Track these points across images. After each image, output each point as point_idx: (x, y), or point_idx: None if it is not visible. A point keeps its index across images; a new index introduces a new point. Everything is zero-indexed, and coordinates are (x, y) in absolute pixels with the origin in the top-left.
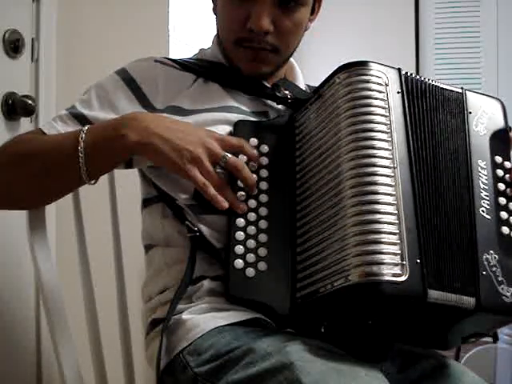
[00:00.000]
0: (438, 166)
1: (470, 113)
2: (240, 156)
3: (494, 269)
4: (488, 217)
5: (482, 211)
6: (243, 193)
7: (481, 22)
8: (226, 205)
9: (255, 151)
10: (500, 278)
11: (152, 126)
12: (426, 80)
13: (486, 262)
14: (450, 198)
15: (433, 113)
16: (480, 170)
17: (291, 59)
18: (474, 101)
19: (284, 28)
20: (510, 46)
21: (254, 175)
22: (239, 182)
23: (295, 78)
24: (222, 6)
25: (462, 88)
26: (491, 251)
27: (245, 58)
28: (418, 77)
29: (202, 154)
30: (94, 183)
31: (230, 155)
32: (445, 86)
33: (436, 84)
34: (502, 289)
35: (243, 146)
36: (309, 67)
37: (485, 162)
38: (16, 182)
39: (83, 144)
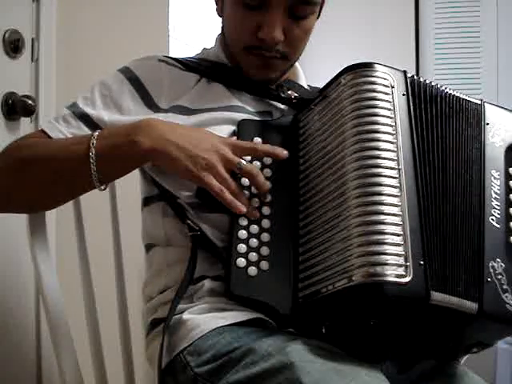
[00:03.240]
0: (447, 171)
1: (488, 124)
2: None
3: (499, 277)
4: (497, 226)
5: (492, 220)
6: (257, 199)
7: (481, 22)
8: (243, 209)
9: (270, 146)
10: (505, 287)
11: (165, 132)
12: (439, 86)
13: (491, 270)
14: (459, 203)
15: (446, 119)
16: (493, 179)
17: None
18: (492, 113)
19: (294, 36)
20: (510, 46)
21: (268, 182)
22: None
23: (298, 79)
24: (231, 12)
25: (480, 100)
26: (498, 259)
27: (254, 64)
28: (428, 81)
29: (217, 160)
30: (104, 189)
31: (244, 162)
32: (463, 96)
33: (452, 92)
34: (506, 297)
35: (256, 147)
36: (309, 67)
37: (498, 173)
38: (21, 188)
39: (94, 150)
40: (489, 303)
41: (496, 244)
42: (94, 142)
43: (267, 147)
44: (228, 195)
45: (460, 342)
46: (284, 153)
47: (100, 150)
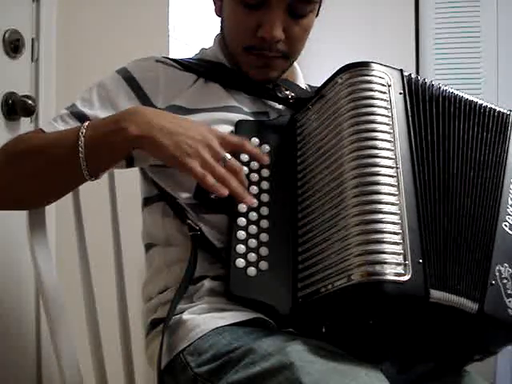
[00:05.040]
0: (449, 170)
1: None
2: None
3: (504, 281)
4: (510, 232)
5: (505, 225)
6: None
7: (481, 22)
8: (225, 191)
9: (257, 149)
10: (509, 291)
11: (153, 119)
12: (443, 87)
13: (497, 273)
14: (465, 203)
15: (449, 118)
16: (511, 187)
17: None
18: None
19: (294, 35)
20: (510, 46)
21: (254, 187)
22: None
23: (296, 78)
24: (231, 11)
25: (510, 110)
26: (506, 264)
27: (254, 64)
28: (428, 81)
29: (202, 149)
30: (95, 179)
31: (229, 157)
32: (481, 102)
33: (460, 94)
34: (509, 302)
35: (244, 144)
36: (308, 67)
37: None
38: (17, 182)
39: (83, 139)
40: (490, 305)
41: (506, 249)
42: (84, 131)
43: (254, 149)
44: (210, 179)
45: (461, 346)
46: (265, 159)
47: (88, 138)
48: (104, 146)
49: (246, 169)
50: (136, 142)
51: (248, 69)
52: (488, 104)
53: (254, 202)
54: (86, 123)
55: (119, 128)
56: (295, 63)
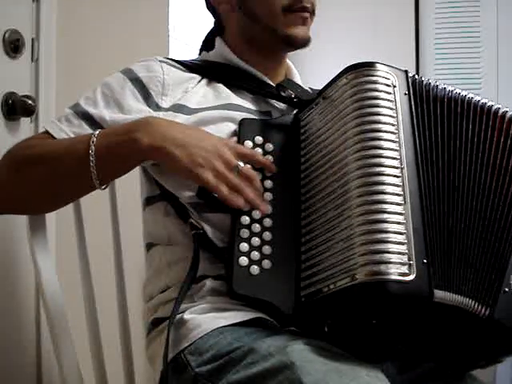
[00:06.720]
0: (455, 171)
1: None
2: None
3: None
4: None
5: None
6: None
7: (481, 22)
8: (240, 201)
9: (268, 160)
10: None
11: (165, 130)
12: (449, 88)
13: None
14: (472, 205)
15: (455, 119)
16: None
17: (288, 60)
18: None
19: None
20: (510, 46)
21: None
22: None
23: (294, 78)
24: None
25: None
26: None
27: (296, 22)
28: (432, 82)
29: (215, 160)
30: (105, 188)
31: (242, 164)
32: (504, 108)
33: (468, 95)
34: None
35: (255, 155)
36: (309, 67)
37: None
38: (25, 187)
39: (94, 148)
40: (500, 312)
41: None
42: (95, 140)
43: (264, 160)
44: (224, 189)
45: (466, 350)
46: (273, 169)
47: (100, 147)
48: (115, 157)
49: (248, 166)
50: (149, 153)
51: (290, 30)
52: (506, 108)
53: (268, 209)
54: (97, 132)
55: (131, 138)
56: (291, 64)
